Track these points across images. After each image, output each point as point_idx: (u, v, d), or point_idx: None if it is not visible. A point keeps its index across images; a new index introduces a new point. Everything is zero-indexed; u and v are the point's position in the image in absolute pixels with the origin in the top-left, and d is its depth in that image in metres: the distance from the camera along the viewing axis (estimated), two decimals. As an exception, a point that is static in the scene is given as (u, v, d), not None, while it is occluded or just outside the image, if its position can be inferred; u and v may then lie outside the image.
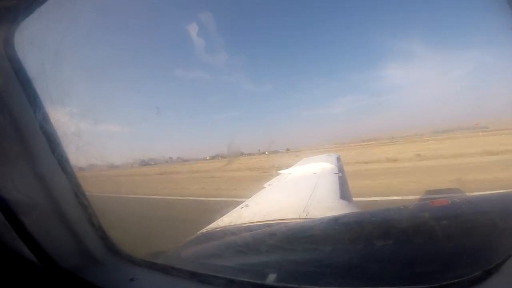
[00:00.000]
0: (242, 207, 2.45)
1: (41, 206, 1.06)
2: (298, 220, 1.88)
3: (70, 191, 1.15)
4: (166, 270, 1.14)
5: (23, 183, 1.03)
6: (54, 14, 1.18)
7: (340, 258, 1.16)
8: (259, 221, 1.88)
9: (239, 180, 12.75)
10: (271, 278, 1.01)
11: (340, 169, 3.93)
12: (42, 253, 1.04)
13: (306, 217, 1.92)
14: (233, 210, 2.37)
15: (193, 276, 1.05)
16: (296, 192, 2.89)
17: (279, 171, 4.46)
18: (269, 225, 1.77)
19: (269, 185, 3.58)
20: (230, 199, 8.35)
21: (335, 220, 1.63)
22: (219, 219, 2.11)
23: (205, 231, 1.89)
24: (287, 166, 4.91)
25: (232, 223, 1.96)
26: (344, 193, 2.68)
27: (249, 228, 1.79)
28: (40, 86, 1.12)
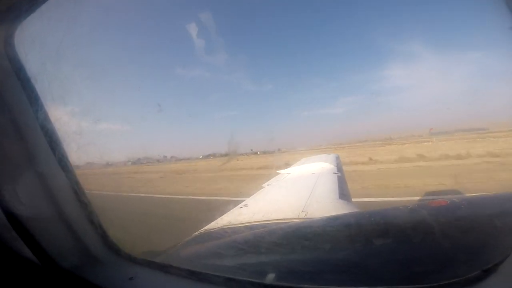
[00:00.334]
0: (241, 207, 2.45)
1: (41, 205, 1.07)
2: (297, 220, 1.88)
3: (70, 189, 1.15)
4: (165, 269, 1.14)
5: (23, 182, 1.03)
6: (55, 13, 1.18)
7: (339, 258, 1.17)
8: (258, 221, 1.89)
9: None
10: (270, 277, 1.02)
11: (339, 169, 3.94)
12: (42, 253, 1.05)
13: (305, 217, 1.93)
14: (232, 210, 2.37)
15: (193, 275, 1.05)
16: (295, 192, 2.89)
17: (278, 171, 4.46)
18: (268, 225, 1.77)
19: (268, 185, 3.58)
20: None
21: (334, 219, 1.63)
22: (218, 219, 2.11)
23: (204, 230, 1.90)
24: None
25: (231, 223, 1.97)
26: (343, 193, 2.69)
27: (248, 228, 1.79)
28: (41, 85, 1.13)
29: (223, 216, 2.19)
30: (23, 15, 1.05)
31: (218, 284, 0.98)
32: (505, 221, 0.99)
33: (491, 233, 0.96)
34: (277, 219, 1.90)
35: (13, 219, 1.00)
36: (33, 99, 1.09)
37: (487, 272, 0.70)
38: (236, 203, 2.62)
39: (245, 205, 2.49)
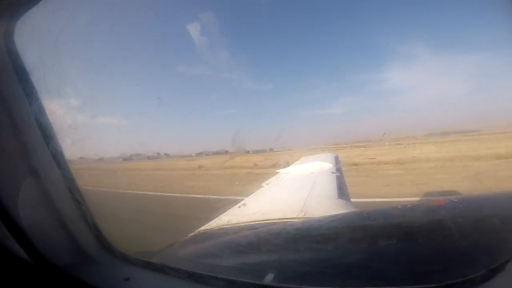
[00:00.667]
0: (239, 206, 2.43)
1: (33, 202, 1.04)
2: (296, 220, 1.87)
3: (64, 186, 1.12)
4: (161, 269, 1.12)
5: (15, 177, 1.01)
6: (55, 7, 1.18)
7: (339, 257, 1.15)
8: (257, 220, 1.87)
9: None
10: (269, 277, 1.00)
11: (338, 169, 3.93)
12: (34, 251, 1.02)
13: (304, 216, 1.91)
14: (230, 209, 2.35)
15: (190, 276, 1.03)
16: (294, 191, 2.88)
17: (277, 170, 4.45)
18: (267, 225, 1.76)
19: (267, 184, 3.57)
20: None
21: (333, 219, 1.62)
22: (216, 218, 2.09)
23: (202, 230, 1.88)
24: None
25: (230, 222, 1.95)
26: (342, 193, 2.68)
27: (246, 228, 1.77)
28: (39, 80, 1.11)
29: (221, 215, 2.17)
30: (23, 10, 1.04)
31: (216, 286, 0.96)
32: (510, 219, 0.98)
33: (496, 232, 0.95)
34: (276, 219, 1.89)
35: (5, 216, 0.97)
36: (31, 93, 1.08)
37: (493, 271, 0.68)
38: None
39: (244, 205, 2.47)
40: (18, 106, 1.04)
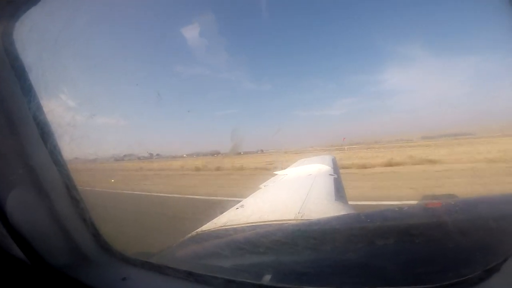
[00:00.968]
0: (237, 208, 2.43)
1: (30, 200, 1.03)
2: (294, 221, 1.87)
3: (62, 185, 1.12)
4: (160, 269, 1.11)
5: (12, 175, 1.01)
6: (55, 7, 1.17)
7: (336, 258, 1.16)
8: (254, 222, 1.87)
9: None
10: (267, 278, 1.00)
11: (336, 171, 3.95)
12: (31, 251, 1.01)
13: (302, 218, 1.92)
14: (228, 211, 2.35)
15: (188, 276, 1.03)
16: (292, 193, 2.88)
17: (275, 172, 4.46)
18: (264, 226, 1.76)
19: (264, 185, 3.57)
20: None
21: (331, 221, 1.63)
22: (214, 219, 2.09)
23: (200, 231, 1.87)
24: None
25: (227, 224, 1.95)
26: (340, 195, 2.69)
27: (244, 229, 1.77)
28: (37, 79, 1.11)
29: (219, 216, 2.17)
30: (22, 9, 1.04)
31: (215, 286, 0.96)
32: (505, 221, 0.99)
33: (492, 233, 0.96)
34: (273, 220, 1.89)
35: (2, 215, 0.96)
36: (29, 93, 1.07)
37: (489, 272, 0.69)
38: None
39: (242, 206, 2.47)
40: (16, 106, 1.04)
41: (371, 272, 1.00)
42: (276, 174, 4.29)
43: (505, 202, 1.44)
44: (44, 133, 1.10)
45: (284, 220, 1.91)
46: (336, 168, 4.24)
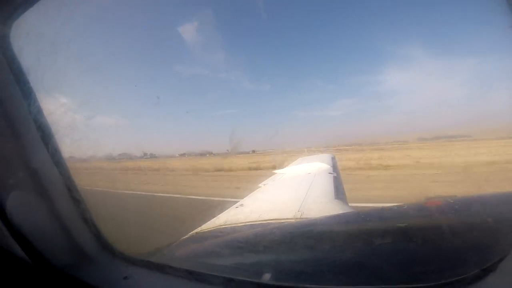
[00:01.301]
0: (237, 207, 2.44)
1: (32, 201, 1.04)
2: (294, 220, 1.88)
3: (63, 185, 1.12)
4: (161, 268, 1.12)
5: (14, 177, 1.01)
6: (53, 8, 1.17)
7: (335, 257, 1.17)
8: (254, 221, 1.88)
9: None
10: (266, 276, 1.01)
11: (335, 169, 3.96)
12: (33, 251, 1.02)
13: (301, 217, 1.93)
14: (228, 210, 2.36)
15: (189, 274, 1.03)
16: (291, 192, 2.89)
17: (274, 171, 4.46)
18: (264, 225, 1.77)
19: (264, 184, 3.58)
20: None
21: (330, 220, 1.64)
22: (214, 218, 2.10)
23: (200, 230, 1.88)
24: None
25: (227, 222, 1.95)
26: (339, 193, 2.70)
27: (244, 228, 1.78)
28: (36, 80, 1.11)
29: (219, 215, 2.18)
30: (19, 11, 1.04)
31: (215, 284, 0.97)
32: (503, 220, 1.00)
33: (489, 232, 0.97)
34: (273, 219, 1.90)
35: (4, 215, 0.97)
36: (28, 94, 1.08)
37: (486, 271, 0.70)
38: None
39: (241, 205, 2.48)
40: (15, 107, 1.04)
41: (369, 271, 1.00)
42: (276, 173, 4.30)
43: (502, 202, 1.44)
44: (45, 134, 1.10)
45: (283, 219, 1.92)
46: (335, 166, 4.25)
